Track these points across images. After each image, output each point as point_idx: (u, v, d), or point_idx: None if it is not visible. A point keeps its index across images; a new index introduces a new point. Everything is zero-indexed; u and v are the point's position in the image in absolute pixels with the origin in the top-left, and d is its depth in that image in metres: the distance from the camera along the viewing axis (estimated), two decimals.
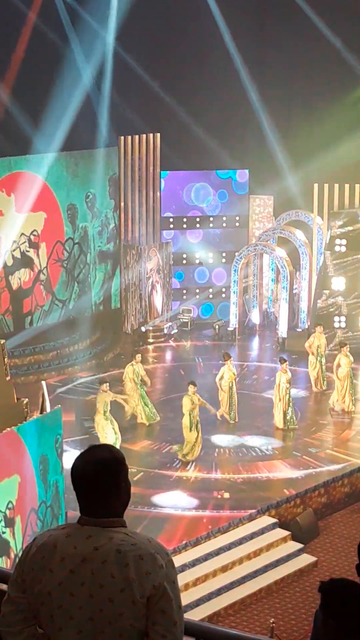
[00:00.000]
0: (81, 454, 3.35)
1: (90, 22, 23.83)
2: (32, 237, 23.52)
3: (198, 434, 17.60)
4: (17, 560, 3.38)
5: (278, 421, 19.10)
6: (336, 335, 23.76)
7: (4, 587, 3.75)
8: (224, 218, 27.71)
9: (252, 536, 15.40)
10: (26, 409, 13.56)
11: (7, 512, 11.89)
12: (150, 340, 25.59)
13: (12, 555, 11.84)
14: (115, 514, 3.28)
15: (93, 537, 3.22)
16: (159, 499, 16.05)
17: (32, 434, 12.61)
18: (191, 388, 17.58)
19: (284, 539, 15.68)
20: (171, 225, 27.39)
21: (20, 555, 3.39)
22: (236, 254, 26.15)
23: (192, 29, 25.75)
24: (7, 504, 11.90)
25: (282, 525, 15.93)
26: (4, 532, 11.82)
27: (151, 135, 26.30)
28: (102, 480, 3.26)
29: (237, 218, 27.84)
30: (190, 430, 17.50)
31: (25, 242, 23.37)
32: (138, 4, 23.61)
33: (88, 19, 23.78)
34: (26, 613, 3.29)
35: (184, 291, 27.63)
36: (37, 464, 12.61)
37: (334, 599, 3.24)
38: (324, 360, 21.41)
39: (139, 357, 19.67)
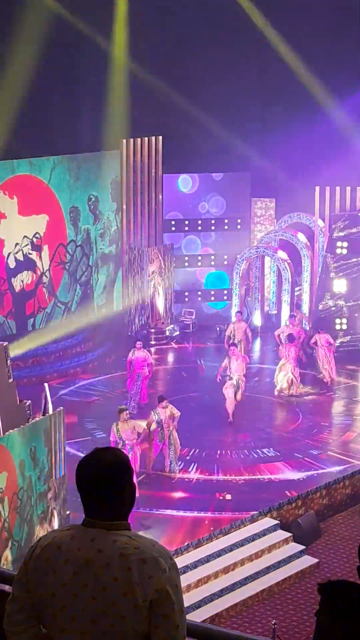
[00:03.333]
0: (86, 457, 3.36)
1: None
2: (34, 239, 23.54)
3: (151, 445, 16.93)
4: (22, 560, 3.43)
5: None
6: (337, 336, 23.78)
7: (6, 587, 3.81)
8: (226, 220, 27.74)
9: (253, 538, 15.42)
10: (29, 411, 13.64)
11: None
12: (152, 342, 25.62)
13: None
14: (119, 517, 3.29)
15: (97, 540, 3.23)
16: (161, 500, 16.10)
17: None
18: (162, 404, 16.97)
19: (286, 541, 15.71)
20: (173, 228, 27.41)
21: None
22: (238, 256, 26.18)
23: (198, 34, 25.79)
24: None
25: (283, 526, 15.95)
26: None
27: (153, 138, 26.32)
28: (106, 483, 3.27)
29: (239, 221, 27.85)
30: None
31: (27, 244, 23.38)
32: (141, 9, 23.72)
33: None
34: (30, 613, 3.31)
35: (186, 293, 27.66)
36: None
37: (333, 600, 3.28)
38: None
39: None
